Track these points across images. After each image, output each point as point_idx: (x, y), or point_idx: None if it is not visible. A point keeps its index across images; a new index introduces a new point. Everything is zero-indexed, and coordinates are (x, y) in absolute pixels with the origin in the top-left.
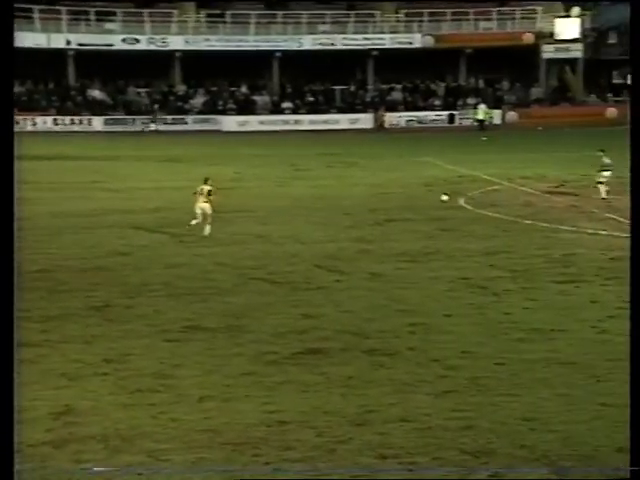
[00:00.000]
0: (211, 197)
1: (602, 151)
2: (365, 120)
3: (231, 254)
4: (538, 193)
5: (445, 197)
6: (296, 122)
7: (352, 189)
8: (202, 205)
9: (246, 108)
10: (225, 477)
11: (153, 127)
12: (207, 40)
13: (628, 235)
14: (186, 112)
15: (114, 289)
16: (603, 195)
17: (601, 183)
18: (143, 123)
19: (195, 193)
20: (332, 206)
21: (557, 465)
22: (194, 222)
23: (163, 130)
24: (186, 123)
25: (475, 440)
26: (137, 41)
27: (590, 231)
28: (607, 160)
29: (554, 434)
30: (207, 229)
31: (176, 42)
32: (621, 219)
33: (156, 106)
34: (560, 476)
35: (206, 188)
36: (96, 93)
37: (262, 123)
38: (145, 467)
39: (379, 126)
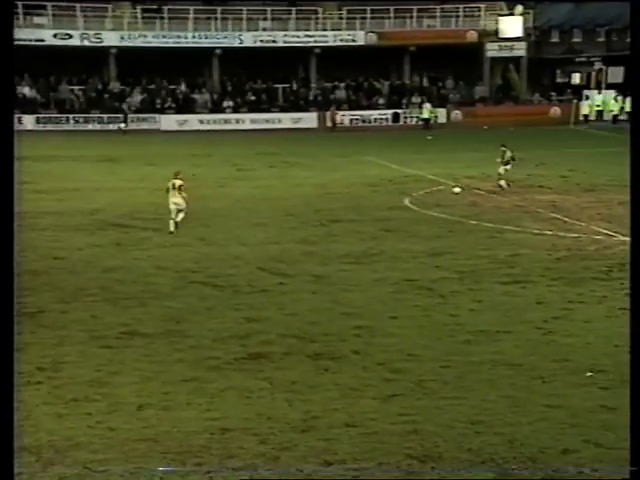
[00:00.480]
0: (182, 192)
1: (504, 146)
2: (308, 119)
3: (171, 257)
4: (483, 193)
5: (457, 189)
6: (237, 121)
7: (295, 189)
8: (176, 200)
9: (185, 107)
10: (226, 477)
11: (123, 126)
12: (144, 36)
13: (573, 235)
14: (123, 111)
15: (48, 294)
16: (504, 185)
17: (501, 175)
18: (120, 122)
19: (167, 190)
20: (275, 207)
21: (556, 466)
22: (172, 226)
23: (99, 130)
24: (123, 122)
25: (421, 444)
26: (69, 36)
27: (535, 231)
28: (509, 154)
29: (500, 437)
30: (172, 225)
31: (111, 38)
32: (566, 219)
33: (124, 105)
34: (560, 476)
35: (177, 182)
36: (26, 90)
37: (202, 122)
38: (146, 467)
39: (332, 125)
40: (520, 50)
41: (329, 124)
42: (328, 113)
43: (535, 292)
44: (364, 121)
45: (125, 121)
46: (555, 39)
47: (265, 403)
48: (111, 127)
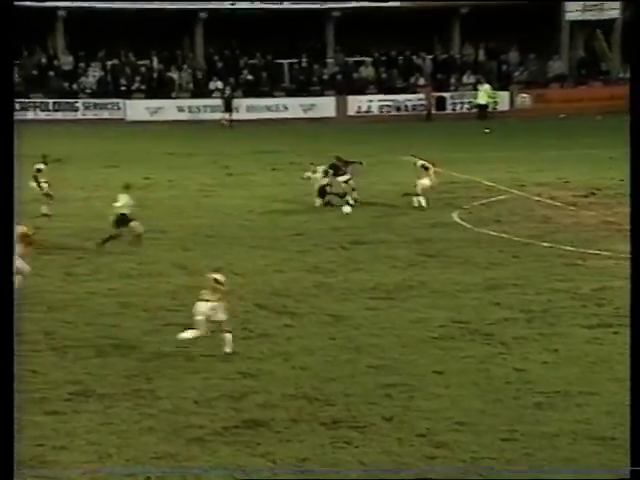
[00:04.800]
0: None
1: (413, 156)
2: (323, 106)
3: (139, 291)
4: (560, 205)
5: (348, 209)
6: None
7: (305, 199)
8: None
9: (159, 89)
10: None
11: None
12: None
13: None
14: (75, 94)
15: None
16: (422, 203)
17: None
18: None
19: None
20: (278, 223)
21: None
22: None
23: (43, 119)
24: (75, 110)
25: None
26: None
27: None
28: (420, 164)
29: None
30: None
31: None
32: None
33: (76, 86)
34: (560, 476)
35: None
36: None
37: (182, 110)
38: (149, 468)
39: (427, 114)
40: (612, 11)
41: (427, 108)
42: (422, 93)
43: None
44: (398, 108)
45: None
46: None
47: None
48: (59, 116)
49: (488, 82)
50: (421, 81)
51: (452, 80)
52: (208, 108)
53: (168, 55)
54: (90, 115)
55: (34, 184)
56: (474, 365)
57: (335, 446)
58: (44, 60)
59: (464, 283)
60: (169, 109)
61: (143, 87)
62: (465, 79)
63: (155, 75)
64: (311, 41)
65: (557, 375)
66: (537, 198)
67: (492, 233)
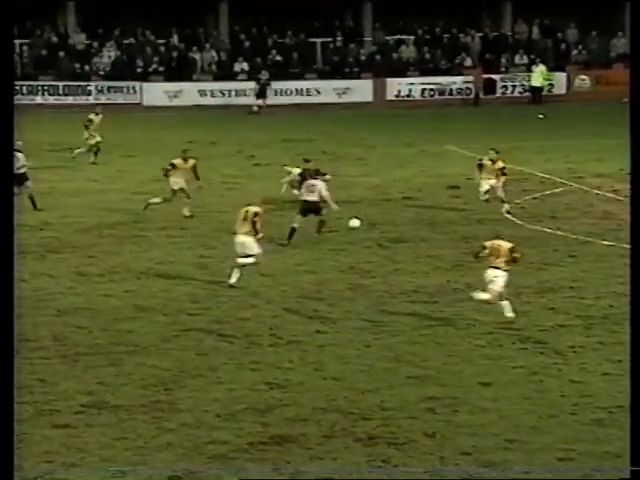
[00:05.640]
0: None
1: (307, 160)
2: (360, 89)
3: (157, 293)
4: (622, 199)
5: (356, 222)
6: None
7: (340, 193)
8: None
9: (179, 71)
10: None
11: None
12: None
13: None
14: (87, 76)
15: None
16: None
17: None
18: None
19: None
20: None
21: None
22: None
23: (51, 104)
24: (88, 93)
25: None
26: None
27: None
28: (296, 173)
29: None
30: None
31: None
32: None
33: (95, 65)
34: (560, 476)
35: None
36: None
37: (203, 94)
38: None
39: (476, 97)
40: None
41: (476, 92)
42: (469, 75)
43: None
44: (442, 92)
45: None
46: None
47: None
48: (70, 100)
49: (543, 62)
50: (468, 62)
51: (503, 61)
52: (233, 92)
53: (190, 33)
54: (103, 99)
55: None
56: (525, 376)
57: (371, 464)
58: (54, 39)
59: (514, 285)
60: (190, 93)
61: (161, 69)
62: (517, 59)
63: (175, 55)
64: (346, 19)
65: (619, 388)
66: (597, 191)
67: (546, 230)
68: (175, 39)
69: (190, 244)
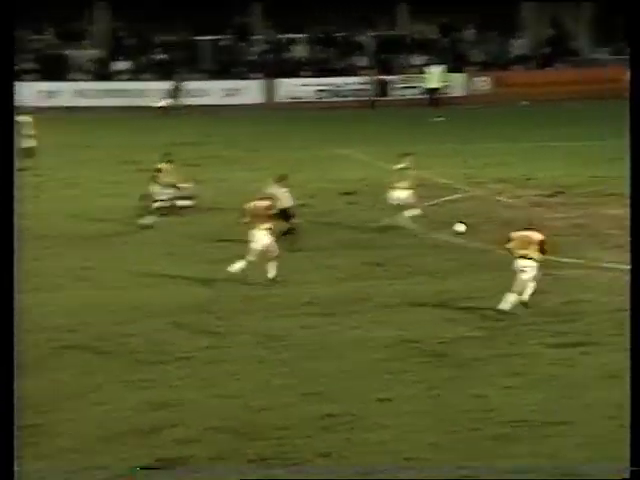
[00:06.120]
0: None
1: (170, 160)
2: (249, 90)
3: (30, 307)
4: (522, 205)
5: (462, 227)
6: (138, 93)
7: (226, 198)
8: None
9: (53, 70)
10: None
11: None
12: None
13: None
14: None
15: None
16: None
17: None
18: None
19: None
20: (198, 227)
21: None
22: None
23: None
24: None
25: None
26: None
27: (606, 264)
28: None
29: None
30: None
31: None
32: None
33: None
34: (560, 476)
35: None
36: None
37: (81, 94)
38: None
39: (372, 100)
40: None
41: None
42: (367, 77)
43: (603, 360)
44: (337, 94)
45: None
46: None
47: None
48: None
49: (440, 63)
50: (364, 62)
51: (398, 60)
52: (111, 92)
53: (64, 29)
54: None
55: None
56: (425, 391)
57: None
58: None
59: (414, 295)
60: (65, 93)
61: (34, 67)
62: (413, 60)
63: (49, 53)
64: (235, 16)
65: (522, 402)
66: (497, 197)
67: (446, 238)
68: (49, 35)
69: (66, 253)
